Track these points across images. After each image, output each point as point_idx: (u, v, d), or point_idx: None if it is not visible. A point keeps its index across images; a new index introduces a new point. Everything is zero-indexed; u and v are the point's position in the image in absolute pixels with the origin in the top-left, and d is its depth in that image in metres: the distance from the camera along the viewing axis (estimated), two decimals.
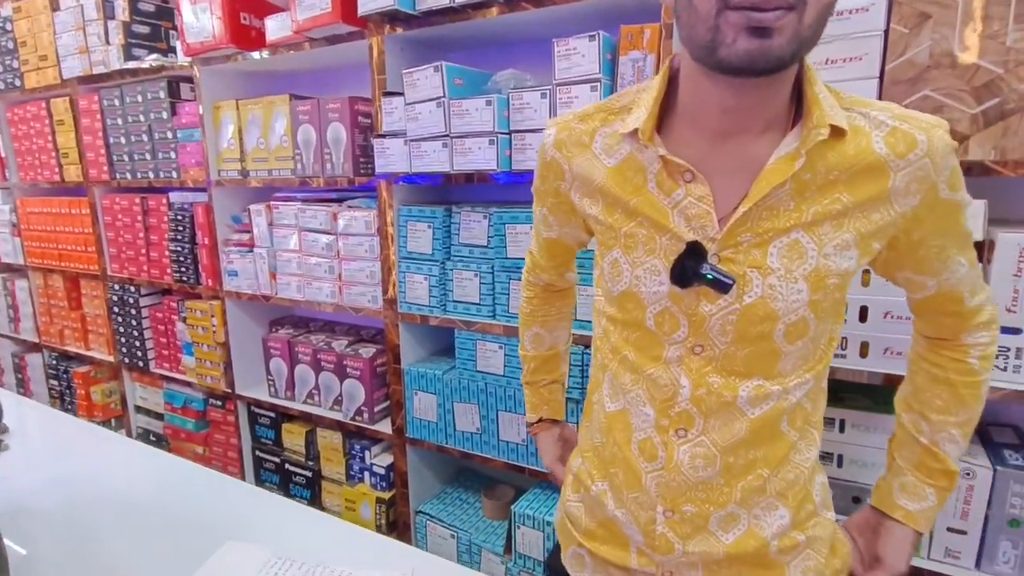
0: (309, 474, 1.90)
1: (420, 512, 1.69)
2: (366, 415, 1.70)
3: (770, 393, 0.64)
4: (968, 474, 1.01)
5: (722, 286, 0.60)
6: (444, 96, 1.30)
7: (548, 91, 1.21)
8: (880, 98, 0.96)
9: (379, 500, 1.73)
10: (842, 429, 1.12)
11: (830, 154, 0.58)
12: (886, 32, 0.95)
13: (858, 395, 1.16)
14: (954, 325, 0.71)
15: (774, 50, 0.50)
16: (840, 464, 1.13)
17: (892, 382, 1.01)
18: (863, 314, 1.04)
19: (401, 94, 1.38)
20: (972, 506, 1.02)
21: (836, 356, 1.07)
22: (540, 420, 1.01)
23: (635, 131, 0.63)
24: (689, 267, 0.61)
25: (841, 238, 0.59)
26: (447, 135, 1.32)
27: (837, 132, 0.58)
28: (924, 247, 0.64)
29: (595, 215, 0.70)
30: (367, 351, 1.71)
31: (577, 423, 1.16)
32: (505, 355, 1.43)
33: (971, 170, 0.91)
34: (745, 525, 0.69)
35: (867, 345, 1.04)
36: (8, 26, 2.20)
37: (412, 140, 1.37)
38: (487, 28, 1.36)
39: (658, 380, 0.67)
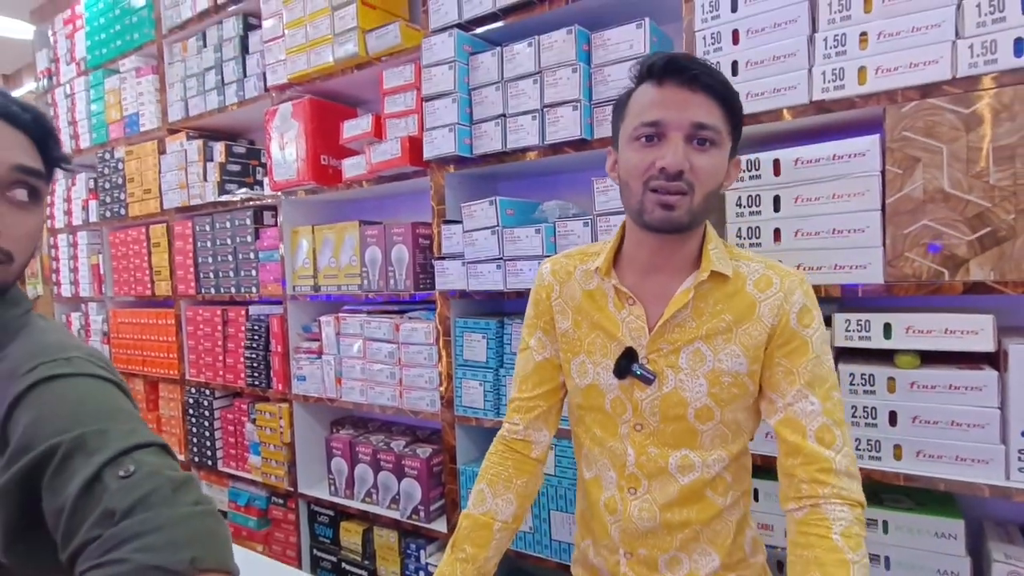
0: (365, 573, 1.96)
1: None
2: (422, 514, 1.79)
3: (693, 463, 0.86)
4: None
5: (646, 380, 0.86)
6: (498, 225, 1.50)
7: (590, 220, 1.38)
8: (885, 226, 1.09)
9: None
10: (886, 530, 1.15)
11: (717, 291, 0.86)
12: (883, 172, 1.09)
13: (900, 495, 1.20)
14: (799, 468, 0.80)
15: (676, 218, 0.80)
16: (888, 567, 1.15)
17: (932, 485, 1.07)
18: (892, 418, 1.11)
19: (459, 222, 1.59)
20: None
21: (872, 458, 1.14)
22: None
23: (597, 268, 0.91)
24: (624, 365, 0.86)
25: (730, 348, 0.84)
26: (501, 258, 1.50)
27: (722, 276, 0.85)
28: (773, 362, 0.84)
29: (565, 329, 0.96)
30: (424, 451, 1.82)
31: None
32: (555, 456, 1.52)
33: (975, 288, 1.02)
34: (687, 566, 0.90)
35: (900, 448, 1.11)
36: (120, 166, 2.57)
37: (469, 262, 1.56)
38: (533, 165, 1.57)
39: (615, 450, 0.91)
